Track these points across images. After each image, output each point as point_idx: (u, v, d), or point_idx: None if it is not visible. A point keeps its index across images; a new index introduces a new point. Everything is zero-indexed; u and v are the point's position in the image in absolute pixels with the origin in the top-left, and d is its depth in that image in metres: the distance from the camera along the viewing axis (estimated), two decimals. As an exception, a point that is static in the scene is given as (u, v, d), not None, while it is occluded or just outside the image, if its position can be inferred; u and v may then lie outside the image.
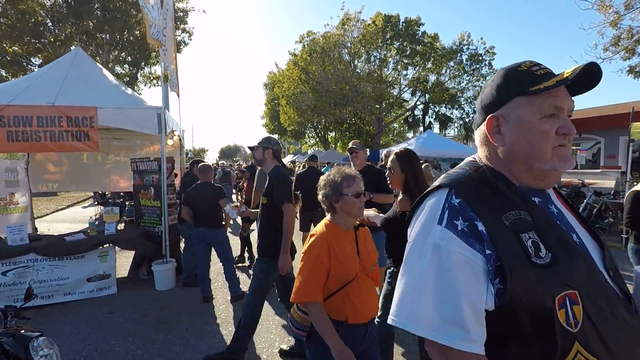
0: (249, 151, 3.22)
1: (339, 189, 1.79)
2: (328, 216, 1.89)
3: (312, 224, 5.32)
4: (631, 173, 7.27)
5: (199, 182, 4.70)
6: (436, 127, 25.98)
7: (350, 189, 1.79)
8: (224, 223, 4.66)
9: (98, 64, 6.49)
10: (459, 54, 22.71)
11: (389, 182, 2.48)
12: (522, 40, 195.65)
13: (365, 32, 21.59)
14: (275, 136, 45.15)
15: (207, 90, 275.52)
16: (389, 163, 2.47)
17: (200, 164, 4.85)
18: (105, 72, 6.11)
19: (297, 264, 2.51)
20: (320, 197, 1.87)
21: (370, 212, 2.79)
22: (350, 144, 4.09)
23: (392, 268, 2.47)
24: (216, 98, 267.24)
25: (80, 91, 4.99)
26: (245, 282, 5.22)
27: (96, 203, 10.86)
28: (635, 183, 7.31)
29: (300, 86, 23.45)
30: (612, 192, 7.99)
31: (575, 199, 8.92)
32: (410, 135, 27.63)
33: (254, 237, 5.56)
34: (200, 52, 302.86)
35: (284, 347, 3.26)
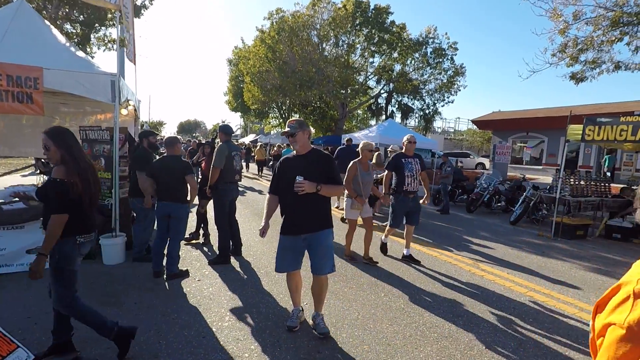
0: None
1: None
2: None
3: None
4: (564, 170, 8.01)
5: (165, 154, 4.60)
6: (398, 117, 26.65)
7: None
8: (188, 199, 4.56)
9: (45, 19, 5.96)
10: (424, 47, 23.24)
11: (50, 158, 2.62)
12: (480, 39, 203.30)
13: (335, 15, 21.40)
14: (238, 114, 43.87)
15: (167, 61, 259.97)
16: (42, 143, 2.61)
17: (166, 137, 4.77)
18: (54, 29, 5.62)
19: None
20: None
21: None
22: (287, 125, 3.24)
23: None
24: (177, 70, 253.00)
25: (23, 48, 4.57)
26: (197, 259, 5.20)
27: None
28: (566, 180, 8.09)
29: (266, 64, 22.93)
30: (548, 187, 8.76)
31: (517, 192, 9.72)
32: (372, 122, 28.12)
33: (210, 214, 5.54)
34: (162, 19, 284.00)
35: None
